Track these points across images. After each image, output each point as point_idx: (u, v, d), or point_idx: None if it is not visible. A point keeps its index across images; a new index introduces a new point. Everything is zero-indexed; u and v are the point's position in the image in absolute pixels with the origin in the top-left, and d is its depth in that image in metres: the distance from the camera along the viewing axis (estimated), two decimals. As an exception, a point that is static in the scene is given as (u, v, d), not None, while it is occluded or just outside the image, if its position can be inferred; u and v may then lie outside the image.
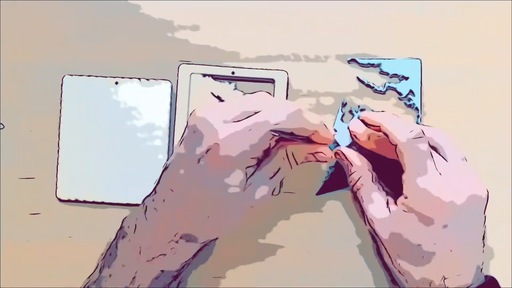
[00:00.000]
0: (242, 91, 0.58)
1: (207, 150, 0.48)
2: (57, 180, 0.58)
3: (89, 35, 0.59)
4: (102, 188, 0.58)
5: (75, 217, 0.58)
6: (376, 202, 0.53)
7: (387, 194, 0.54)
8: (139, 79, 0.58)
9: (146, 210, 0.51)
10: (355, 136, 0.55)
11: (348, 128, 0.56)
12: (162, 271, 0.50)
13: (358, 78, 0.58)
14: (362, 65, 0.58)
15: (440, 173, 0.50)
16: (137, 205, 0.57)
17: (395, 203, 0.52)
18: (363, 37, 0.59)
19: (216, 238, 0.52)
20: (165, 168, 0.51)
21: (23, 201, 0.58)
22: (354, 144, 0.56)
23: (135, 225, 0.51)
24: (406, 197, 0.51)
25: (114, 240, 0.52)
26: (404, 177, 0.51)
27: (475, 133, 0.58)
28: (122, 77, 0.58)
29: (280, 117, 0.48)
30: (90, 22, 0.59)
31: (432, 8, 0.59)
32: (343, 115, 0.58)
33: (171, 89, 0.58)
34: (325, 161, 0.53)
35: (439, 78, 0.58)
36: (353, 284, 0.57)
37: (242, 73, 0.58)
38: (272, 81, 0.58)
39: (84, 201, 0.58)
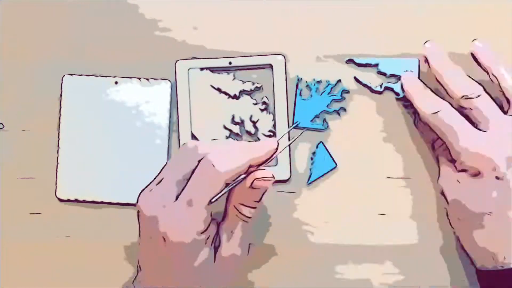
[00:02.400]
0: (241, 80, 0.58)
1: (162, 239, 0.47)
2: (57, 180, 0.58)
3: (89, 35, 0.59)
4: (102, 188, 0.57)
5: (75, 217, 0.58)
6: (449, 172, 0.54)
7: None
8: (139, 79, 0.58)
9: None
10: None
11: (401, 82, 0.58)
12: None
13: (355, 78, 0.58)
14: (359, 65, 0.58)
15: (483, 130, 0.52)
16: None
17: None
18: (361, 37, 0.59)
19: None
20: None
21: (23, 201, 0.58)
22: None
23: None
24: (454, 160, 0.53)
25: None
26: (448, 144, 0.53)
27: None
28: (122, 77, 0.58)
29: (206, 186, 0.47)
30: (90, 22, 0.59)
31: (432, 8, 0.59)
32: (301, 91, 0.58)
33: (171, 88, 0.58)
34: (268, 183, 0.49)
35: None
36: (353, 284, 0.57)
37: (239, 62, 0.58)
38: (270, 66, 0.58)
39: (84, 201, 0.57)
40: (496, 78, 0.54)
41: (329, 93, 0.58)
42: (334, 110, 0.58)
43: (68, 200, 0.58)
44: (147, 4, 0.59)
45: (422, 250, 0.57)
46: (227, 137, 0.58)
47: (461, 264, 0.56)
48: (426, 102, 0.54)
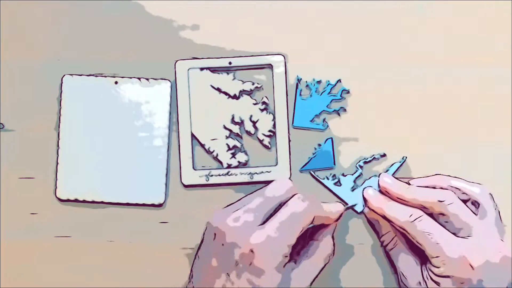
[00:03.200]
0: (241, 80, 0.58)
1: (241, 258, 0.48)
2: (56, 180, 0.58)
3: (89, 35, 0.59)
4: (102, 188, 0.57)
5: (74, 216, 0.58)
6: (410, 267, 0.54)
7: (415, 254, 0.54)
8: (139, 79, 0.58)
9: None
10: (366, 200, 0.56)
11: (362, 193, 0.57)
12: None
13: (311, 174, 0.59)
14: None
15: (465, 236, 0.51)
16: (137, 205, 0.57)
17: (425, 267, 0.52)
18: (362, 37, 0.59)
19: None
20: None
21: (23, 200, 0.58)
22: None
23: None
24: (435, 267, 0.51)
25: None
26: (425, 253, 0.52)
27: (475, 133, 0.58)
28: (122, 77, 0.58)
29: (301, 207, 0.50)
30: (90, 22, 0.59)
31: (432, 8, 0.59)
32: (301, 91, 0.58)
33: (171, 88, 0.58)
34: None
35: (439, 78, 0.59)
36: (353, 284, 0.57)
37: (239, 62, 0.59)
38: (270, 66, 0.58)
39: (84, 201, 0.57)
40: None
41: (329, 93, 0.58)
42: (334, 110, 0.58)
43: (68, 200, 0.58)
44: (147, 4, 0.59)
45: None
46: (227, 137, 0.58)
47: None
48: (400, 211, 0.53)
